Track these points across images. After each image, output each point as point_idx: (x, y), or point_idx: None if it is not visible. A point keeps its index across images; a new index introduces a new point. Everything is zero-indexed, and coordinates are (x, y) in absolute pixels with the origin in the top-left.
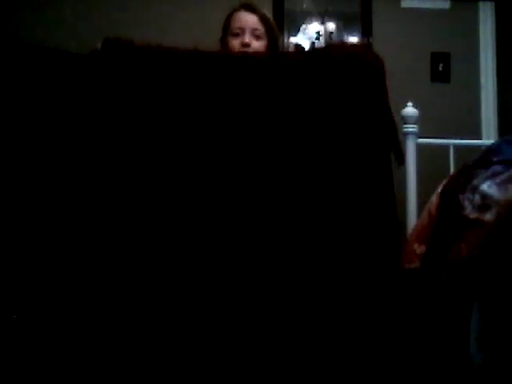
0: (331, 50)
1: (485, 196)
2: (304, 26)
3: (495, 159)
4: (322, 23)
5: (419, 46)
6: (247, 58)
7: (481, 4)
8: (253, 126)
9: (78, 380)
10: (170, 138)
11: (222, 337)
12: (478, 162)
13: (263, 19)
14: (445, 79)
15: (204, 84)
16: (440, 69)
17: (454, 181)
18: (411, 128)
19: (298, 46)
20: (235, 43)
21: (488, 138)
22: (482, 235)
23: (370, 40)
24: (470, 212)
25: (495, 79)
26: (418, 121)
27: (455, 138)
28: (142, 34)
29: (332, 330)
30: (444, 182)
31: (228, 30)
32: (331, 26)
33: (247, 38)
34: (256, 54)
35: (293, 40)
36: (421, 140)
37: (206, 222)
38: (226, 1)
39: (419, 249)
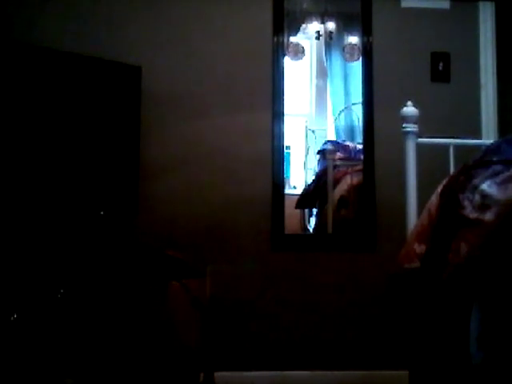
0: None
1: (485, 195)
2: (304, 25)
3: (495, 159)
4: (322, 23)
5: (419, 46)
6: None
7: (481, 4)
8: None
9: None
10: None
11: None
12: (477, 162)
13: None
14: (445, 79)
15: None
16: (440, 69)
17: (453, 180)
18: (411, 128)
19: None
20: None
21: (488, 138)
22: (482, 235)
23: (370, 40)
24: (470, 212)
25: (495, 79)
26: (417, 121)
27: (455, 138)
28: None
29: None
30: (444, 181)
31: None
32: (331, 25)
33: None
34: None
35: (293, 40)
36: (421, 140)
37: None
38: None
39: (419, 248)
